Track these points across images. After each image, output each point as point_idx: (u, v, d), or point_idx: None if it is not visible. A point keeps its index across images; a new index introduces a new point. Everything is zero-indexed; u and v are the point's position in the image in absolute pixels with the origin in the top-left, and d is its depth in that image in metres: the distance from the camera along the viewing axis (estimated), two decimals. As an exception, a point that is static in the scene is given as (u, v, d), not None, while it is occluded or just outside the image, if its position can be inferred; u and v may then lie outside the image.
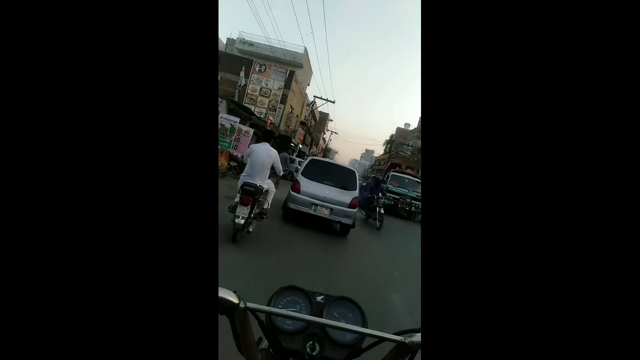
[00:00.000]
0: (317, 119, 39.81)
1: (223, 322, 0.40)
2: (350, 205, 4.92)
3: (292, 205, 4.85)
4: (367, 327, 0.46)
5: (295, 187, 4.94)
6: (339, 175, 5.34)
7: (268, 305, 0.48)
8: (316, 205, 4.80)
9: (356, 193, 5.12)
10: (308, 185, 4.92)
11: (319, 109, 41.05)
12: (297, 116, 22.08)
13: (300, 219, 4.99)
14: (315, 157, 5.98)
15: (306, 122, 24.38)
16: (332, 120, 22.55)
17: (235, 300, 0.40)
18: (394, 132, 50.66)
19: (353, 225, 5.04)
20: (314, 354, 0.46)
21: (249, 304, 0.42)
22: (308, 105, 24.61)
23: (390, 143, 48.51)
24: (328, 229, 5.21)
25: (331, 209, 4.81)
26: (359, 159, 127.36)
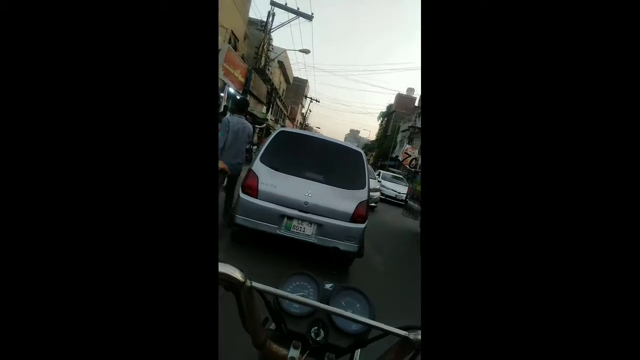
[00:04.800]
0: (290, 81, 27.68)
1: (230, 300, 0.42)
2: (355, 218, 2.49)
3: (241, 220, 2.41)
4: (374, 319, 0.46)
5: (249, 185, 2.45)
6: (333, 162, 2.73)
7: (276, 287, 0.48)
8: (290, 218, 2.42)
9: (364, 194, 2.59)
10: (274, 182, 2.47)
11: (295, 74, 29.17)
12: (229, 32, 9.89)
13: (268, 242, 2.60)
14: (287, 129, 3.08)
15: (258, 60, 12.20)
16: (308, 52, 10.22)
17: (241, 278, 0.40)
18: (392, 102, 39.37)
19: (360, 253, 2.56)
20: (317, 339, 0.46)
21: (255, 284, 0.42)
22: (261, 28, 12.37)
23: (389, 115, 37.56)
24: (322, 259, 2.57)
25: (319, 225, 2.43)
26: (343, 139, 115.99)
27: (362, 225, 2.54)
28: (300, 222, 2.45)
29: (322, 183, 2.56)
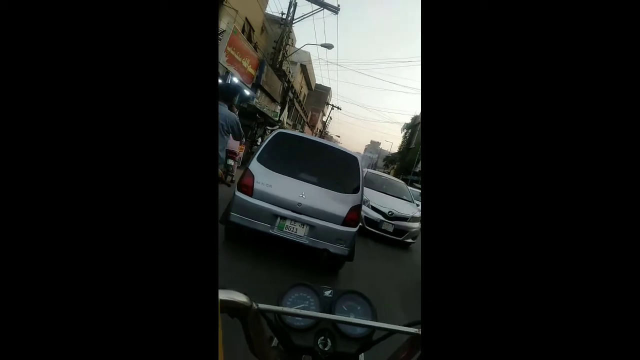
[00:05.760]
0: (312, 87, 26.45)
1: (234, 324, 0.40)
2: (347, 221, 2.50)
3: (236, 218, 2.43)
4: (376, 320, 0.46)
5: (245, 183, 2.48)
6: (329, 166, 2.74)
7: (277, 303, 0.47)
8: (283, 218, 2.44)
9: (357, 198, 2.59)
10: (269, 182, 2.49)
11: (317, 81, 27.95)
12: (243, 18, 8.57)
13: (263, 241, 2.64)
14: (284, 131, 3.05)
15: (276, 55, 10.86)
16: (331, 47, 8.65)
17: (248, 303, 0.39)
18: (417, 113, 37.25)
19: (350, 257, 2.57)
20: (326, 349, 0.45)
21: (261, 305, 0.41)
22: (282, 22, 11.07)
23: (413, 127, 35.43)
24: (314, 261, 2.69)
25: (311, 227, 2.44)
26: (362, 151, 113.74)
27: (353, 229, 2.51)
28: (292, 222, 2.43)
29: (316, 185, 2.53)
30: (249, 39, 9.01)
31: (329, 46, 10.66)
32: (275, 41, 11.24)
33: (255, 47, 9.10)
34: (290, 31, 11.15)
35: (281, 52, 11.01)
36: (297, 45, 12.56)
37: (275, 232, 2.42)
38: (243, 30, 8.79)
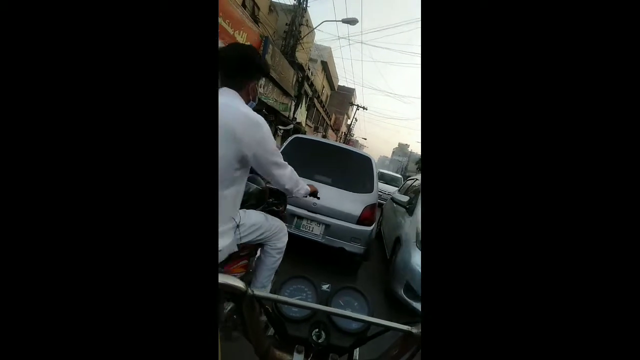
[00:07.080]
0: (335, 88, 24.50)
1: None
2: (362, 220, 2.57)
3: None
4: (372, 316, 0.47)
5: None
6: (343, 167, 2.86)
7: (274, 293, 0.48)
8: (300, 218, 2.57)
9: (372, 198, 2.68)
10: None
11: (339, 82, 26.05)
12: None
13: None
14: (301, 136, 3.20)
15: (287, 39, 9.00)
16: (355, 22, 6.49)
17: (243, 288, 0.40)
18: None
19: (366, 257, 2.63)
20: (319, 341, 0.46)
21: (256, 292, 0.42)
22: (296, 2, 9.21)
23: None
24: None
25: (326, 226, 2.55)
26: (390, 155, 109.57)
27: (368, 228, 2.56)
28: (309, 221, 2.53)
29: (331, 186, 2.62)
30: (253, 17, 7.22)
31: (352, 21, 8.61)
32: (287, 24, 9.40)
33: (256, 20, 7.25)
34: (305, 9, 9.24)
35: (294, 36, 9.11)
36: (314, 24, 10.60)
37: (293, 230, 2.48)
38: (244, 5, 7.02)
